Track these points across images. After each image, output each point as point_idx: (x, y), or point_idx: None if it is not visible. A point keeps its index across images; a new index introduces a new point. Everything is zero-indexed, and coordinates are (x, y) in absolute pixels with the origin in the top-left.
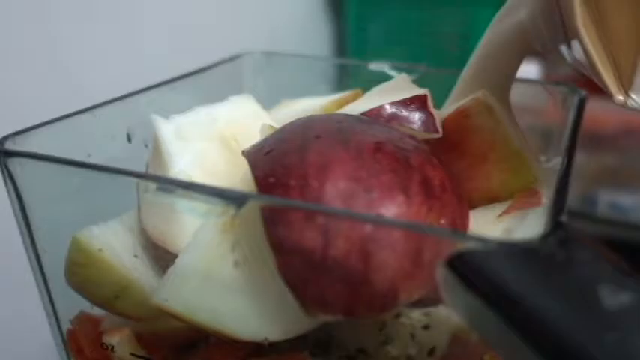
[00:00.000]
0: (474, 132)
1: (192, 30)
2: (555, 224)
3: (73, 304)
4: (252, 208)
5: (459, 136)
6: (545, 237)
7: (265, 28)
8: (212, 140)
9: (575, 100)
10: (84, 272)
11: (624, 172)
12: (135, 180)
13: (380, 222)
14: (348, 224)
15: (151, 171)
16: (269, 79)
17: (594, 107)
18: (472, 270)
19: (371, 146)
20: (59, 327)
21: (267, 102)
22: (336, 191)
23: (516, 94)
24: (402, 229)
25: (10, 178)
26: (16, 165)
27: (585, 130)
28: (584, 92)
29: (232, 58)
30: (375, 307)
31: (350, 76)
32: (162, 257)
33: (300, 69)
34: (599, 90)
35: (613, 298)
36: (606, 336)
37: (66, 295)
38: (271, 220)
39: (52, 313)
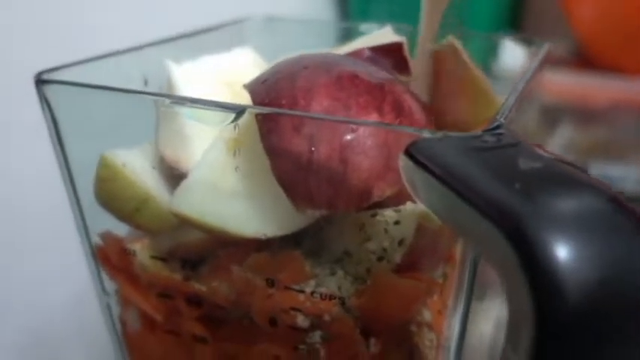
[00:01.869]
0: (445, 73)
1: None
2: (493, 124)
3: (100, 222)
4: (250, 119)
5: (435, 76)
6: (483, 131)
7: None
8: (219, 84)
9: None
10: (109, 187)
11: (614, 144)
12: (153, 98)
13: (355, 123)
14: (329, 133)
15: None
16: (271, 44)
17: (585, 83)
18: (424, 153)
19: (350, 74)
20: (89, 240)
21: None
22: (320, 108)
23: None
24: (373, 129)
25: (47, 104)
26: (51, 92)
27: (576, 105)
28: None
29: (235, 22)
30: (353, 202)
31: (352, 40)
32: (176, 177)
33: (302, 33)
34: (589, 66)
35: (527, 164)
36: (516, 184)
37: (95, 212)
38: (266, 129)
39: (82, 227)
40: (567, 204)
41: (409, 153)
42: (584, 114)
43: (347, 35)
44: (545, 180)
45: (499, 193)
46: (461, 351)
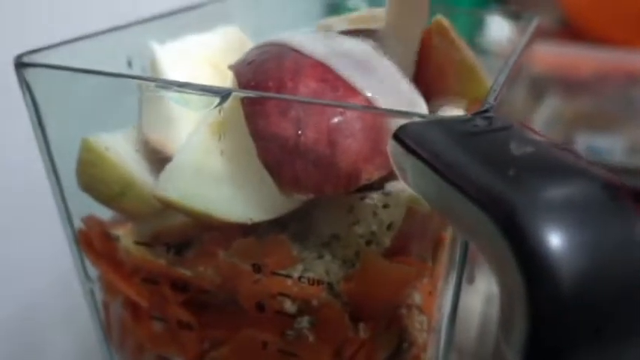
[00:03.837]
0: (433, 51)
1: None
2: (484, 106)
3: (83, 206)
4: (235, 102)
5: (421, 54)
6: (474, 114)
7: None
8: (204, 64)
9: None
10: (92, 171)
11: (600, 115)
12: (137, 82)
13: (343, 107)
14: (317, 116)
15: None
16: (256, 21)
17: (569, 54)
18: (413, 138)
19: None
20: (71, 226)
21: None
22: (307, 90)
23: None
24: (361, 112)
25: (27, 88)
26: (31, 75)
27: (561, 76)
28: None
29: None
30: (341, 186)
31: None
32: (160, 161)
33: (288, 9)
34: (575, 37)
35: (519, 149)
36: (509, 171)
37: (77, 196)
38: (251, 112)
39: (64, 213)
40: (560, 191)
41: (398, 137)
42: (570, 85)
43: (334, 12)
44: (537, 166)
45: (491, 181)
46: (452, 332)
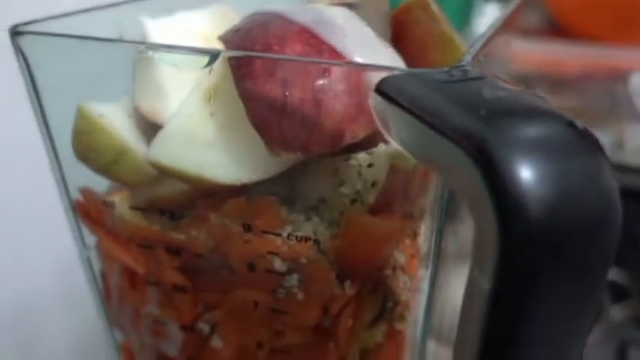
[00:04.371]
0: (414, 24)
1: None
2: (461, 61)
3: (80, 178)
4: (225, 67)
5: (404, 27)
6: (450, 68)
7: None
8: (195, 38)
9: None
10: (87, 139)
11: (586, 112)
12: (128, 46)
13: (327, 63)
14: (303, 77)
15: (141, 67)
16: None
17: (555, 52)
18: (393, 89)
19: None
20: (68, 195)
21: None
22: (293, 53)
23: None
24: (345, 73)
25: (23, 57)
26: (27, 44)
27: (547, 73)
28: None
29: None
30: (326, 145)
31: None
32: (152, 130)
33: None
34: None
35: (492, 93)
36: (481, 111)
37: (74, 167)
38: (240, 74)
39: (61, 182)
40: (529, 127)
41: (379, 90)
42: (556, 82)
43: None
44: (508, 107)
45: (465, 119)
46: (433, 294)
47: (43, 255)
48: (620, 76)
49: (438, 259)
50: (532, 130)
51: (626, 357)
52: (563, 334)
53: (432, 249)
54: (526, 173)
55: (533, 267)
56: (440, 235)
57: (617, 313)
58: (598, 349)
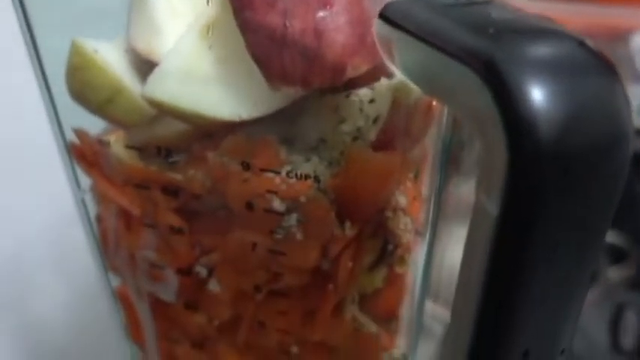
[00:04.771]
0: None
1: None
2: None
3: (74, 119)
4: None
5: None
6: None
7: None
8: None
9: None
10: (81, 76)
11: None
12: None
13: None
14: (303, 8)
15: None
16: None
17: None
18: (398, 14)
19: None
20: (62, 135)
21: None
22: None
23: None
24: (347, 5)
25: None
26: None
27: None
28: None
29: None
30: (327, 78)
31: None
32: (148, 69)
33: None
34: None
35: (501, 15)
36: (490, 30)
37: (68, 109)
38: (239, 5)
39: (56, 122)
40: (539, 47)
41: (384, 16)
42: None
43: None
44: (518, 26)
45: (473, 38)
46: (434, 237)
47: (34, 206)
48: (621, 37)
49: (439, 206)
50: (543, 49)
51: (621, 319)
52: (570, 264)
53: (434, 196)
54: (537, 92)
55: (543, 188)
56: (441, 181)
57: (614, 274)
58: (594, 310)
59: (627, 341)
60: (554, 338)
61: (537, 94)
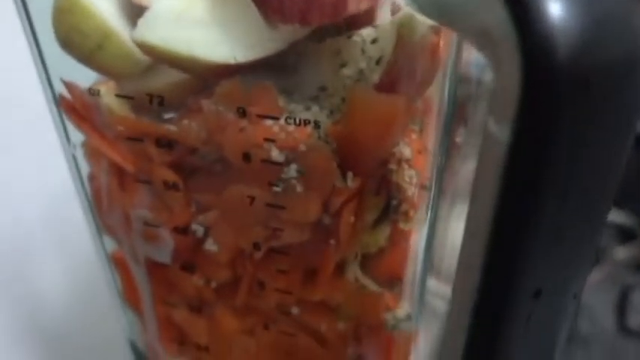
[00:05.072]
0: None
1: None
2: None
3: (63, 68)
4: None
5: None
6: None
7: None
8: None
9: None
10: (69, 20)
11: None
12: None
13: None
14: None
15: None
16: None
17: None
18: None
19: None
20: (51, 88)
21: None
22: None
23: None
24: None
25: None
26: None
27: None
28: None
29: None
30: (326, 15)
31: None
32: (138, 15)
33: None
34: None
35: None
36: None
37: (56, 56)
38: None
39: (44, 73)
40: None
41: None
42: None
43: None
44: None
45: None
46: (440, 196)
47: (32, 184)
48: None
49: (446, 162)
50: None
51: (628, 300)
52: (584, 198)
53: (439, 152)
54: (555, 7)
55: (558, 111)
56: (447, 136)
57: (621, 254)
58: (601, 291)
59: (634, 322)
60: (567, 280)
61: (555, 10)
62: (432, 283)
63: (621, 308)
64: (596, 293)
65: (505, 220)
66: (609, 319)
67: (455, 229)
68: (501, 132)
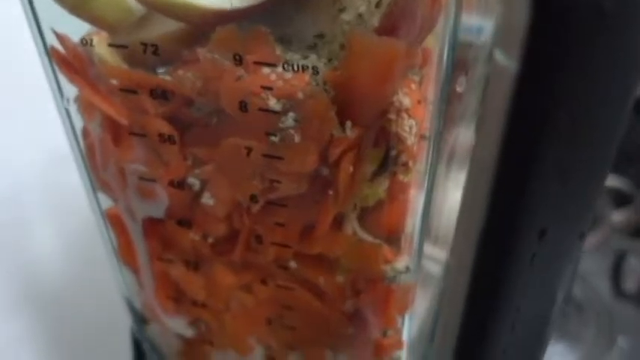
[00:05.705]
0: None
1: None
2: None
3: (54, 20)
4: None
5: None
6: None
7: None
8: None
9: None
10: None
11: None
12: None
13: None
14: None
15: None
16: None
17: None
18: None
19: None
20: (42, 39)
21: None
22: None
23: None
24: None
25: None
26: None
27: None
28: None
29: None
30: None
31: None
32: None
33: None
34: None
35: None
36: None
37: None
38: None
39: (34, 23)
40: None
41: None
42: None
43: None
44: None
45: None
46: (439, 147)
47: (29, 149)
48: None
49: (446, 115)
50: None
51: (623, 265)
52: (591, 135)
53: (440, 100)
54: None
55: (570, 38)
56: (446, 88)
57: (617, 218)
58: (596, 256)
59: (629, 286)
60: (572, 219)
61: None
62: (429, 248)
63: (616, 273)
64: (591, 258)
65: (511, 152)
66: (604, 284)
67: (452, 195)
68: (509, 62)
